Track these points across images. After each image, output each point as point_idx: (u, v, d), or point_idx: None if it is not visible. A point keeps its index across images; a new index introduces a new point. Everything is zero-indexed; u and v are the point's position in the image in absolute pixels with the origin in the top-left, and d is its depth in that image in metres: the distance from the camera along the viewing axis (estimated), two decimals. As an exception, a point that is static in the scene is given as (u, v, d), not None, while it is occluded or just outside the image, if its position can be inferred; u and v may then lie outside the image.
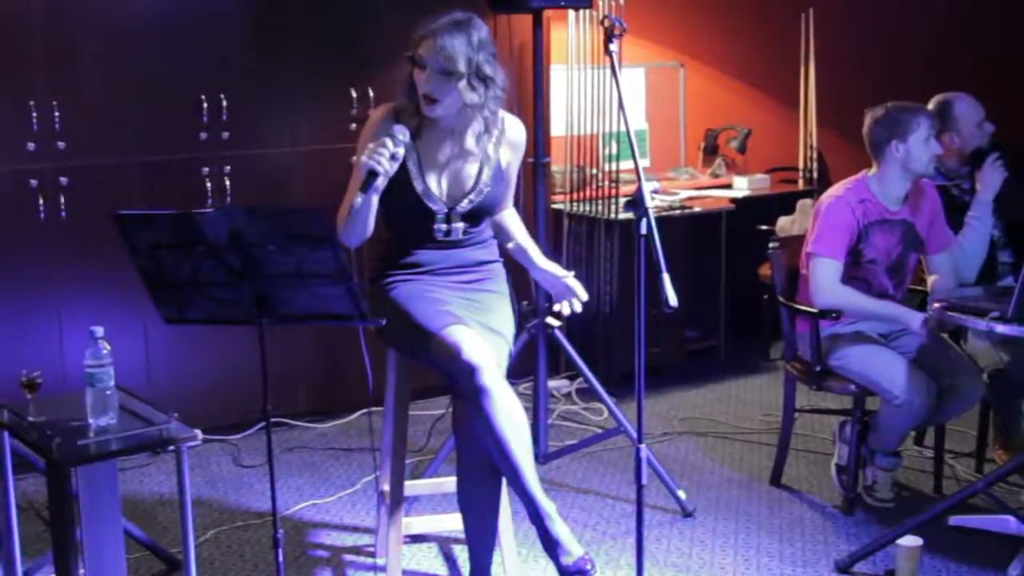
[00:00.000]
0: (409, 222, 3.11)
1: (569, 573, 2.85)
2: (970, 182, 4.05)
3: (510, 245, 3.34)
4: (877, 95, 3.93)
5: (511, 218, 3.35)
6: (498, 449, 2.88)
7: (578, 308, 3.30)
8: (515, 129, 3.20)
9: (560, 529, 2.89)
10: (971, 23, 5.73)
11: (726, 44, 6.12)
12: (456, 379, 2.90)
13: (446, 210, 3.09)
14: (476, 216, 3.13)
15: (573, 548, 2.88)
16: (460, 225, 3.12)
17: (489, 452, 2.91)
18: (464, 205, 3.10)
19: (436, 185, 3.08)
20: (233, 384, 4.41)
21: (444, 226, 3.10)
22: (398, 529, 3.24)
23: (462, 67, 2.96)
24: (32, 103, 4.08)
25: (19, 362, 3.51)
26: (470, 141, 3.10)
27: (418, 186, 3.06)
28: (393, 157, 2.86)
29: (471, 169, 3.11)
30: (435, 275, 3.13)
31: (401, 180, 3.01)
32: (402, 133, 2.92)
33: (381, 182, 2.88)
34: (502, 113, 3.14)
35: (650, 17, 5.69)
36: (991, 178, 3.94)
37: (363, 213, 2.93)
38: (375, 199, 2.93)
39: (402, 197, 3.05)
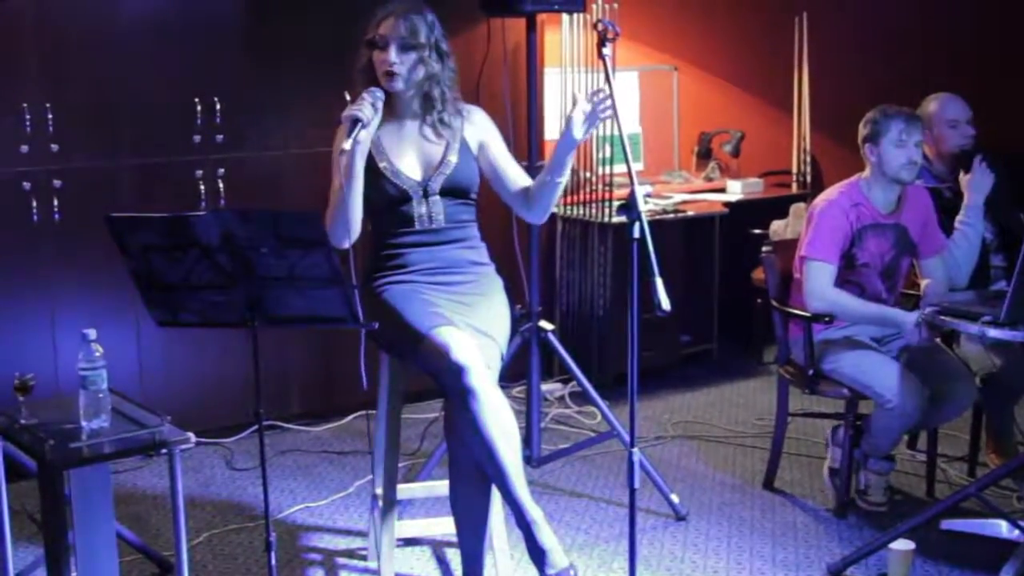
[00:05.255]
0: (387, 210, 3.15)
1: None
2: (957, 186, 4.04)
3: (541, 180, 3.21)
4: (870, 99, 3.93)
5: (529, 182, 3.28)
6: (485, 451, 2.88)
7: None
8: (474, 113, 3.28)
9: (546, 537, 2.89)
10: (966, 26, 5.74)
11: (720, 48, 6.13)
12: (444, 380, 2.91)
13: (420, 189, 3.14)
14: (452, 194, 3.17)
15: (558, 559, 2.87)
16: (440, 208, 3.15)
17: (477, 454, 2.92)
18: (435, 180, 3.15)
19: (404, 166, 3.16)
20: (226, 387, 4.41)
21: (423, 209, 3.14)
22: (391, 532, 3.24)
23: (423, 39, 3.11)
24: (25, 105, 4.07)
25: (12, 364, 3.50)
26: (431, 121, 3.19)
27: (387, 169, 3.14)
28: (373, 106, 3.01)
29: (436, 148, 3.19)
30: (424, 275, 3.14)
31: (371, 168, 3.12)
32: (378, 91, 3.08)
33: (364, 136, 3.00)
34: (462, 104, 3.25)
35: (644, 21, 5.69)
36: (980, 181, 3.93)
37: (348, 196, 3.00)
38: (359, 183, 3.03)
39: (375, 183, 3.12)
